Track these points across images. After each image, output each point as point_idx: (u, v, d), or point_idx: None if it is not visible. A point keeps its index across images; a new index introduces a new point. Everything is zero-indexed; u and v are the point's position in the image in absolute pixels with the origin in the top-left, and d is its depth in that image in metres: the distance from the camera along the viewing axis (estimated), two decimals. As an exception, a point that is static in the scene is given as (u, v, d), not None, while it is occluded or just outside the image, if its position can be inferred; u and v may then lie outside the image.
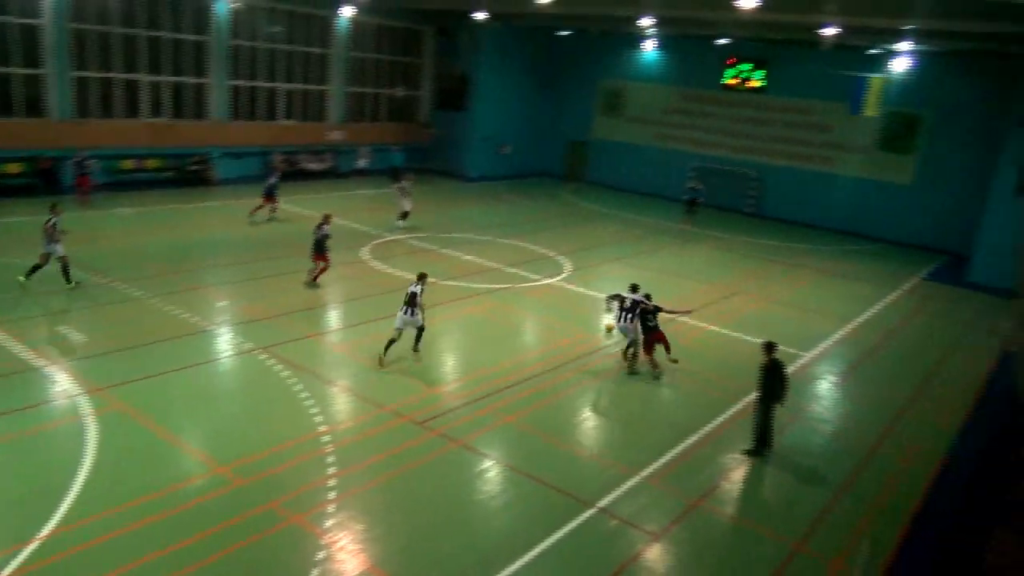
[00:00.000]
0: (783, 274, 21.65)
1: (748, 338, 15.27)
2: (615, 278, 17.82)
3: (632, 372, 13.52)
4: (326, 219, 16.51)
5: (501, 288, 16.92)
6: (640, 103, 36.95)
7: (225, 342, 13.50)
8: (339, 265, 17.88)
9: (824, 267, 23.91)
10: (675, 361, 13.84)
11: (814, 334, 16.28)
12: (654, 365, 13.50)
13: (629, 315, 13.52)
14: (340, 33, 31.97)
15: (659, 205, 33.38)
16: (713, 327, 15.66)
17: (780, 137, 33.42)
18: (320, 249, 16.01)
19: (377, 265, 18.04)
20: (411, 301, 13.31)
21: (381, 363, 13.15)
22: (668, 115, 36.18)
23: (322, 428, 10.83)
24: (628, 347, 13.78)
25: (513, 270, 18.41)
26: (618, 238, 24.27)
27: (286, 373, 12.51)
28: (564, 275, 17.44)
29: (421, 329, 13.49)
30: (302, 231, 19.99)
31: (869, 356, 15.54)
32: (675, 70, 35.52)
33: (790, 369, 12.20)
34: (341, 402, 11.77)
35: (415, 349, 13.59)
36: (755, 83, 33.21)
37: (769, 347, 10.42)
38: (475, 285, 17.39)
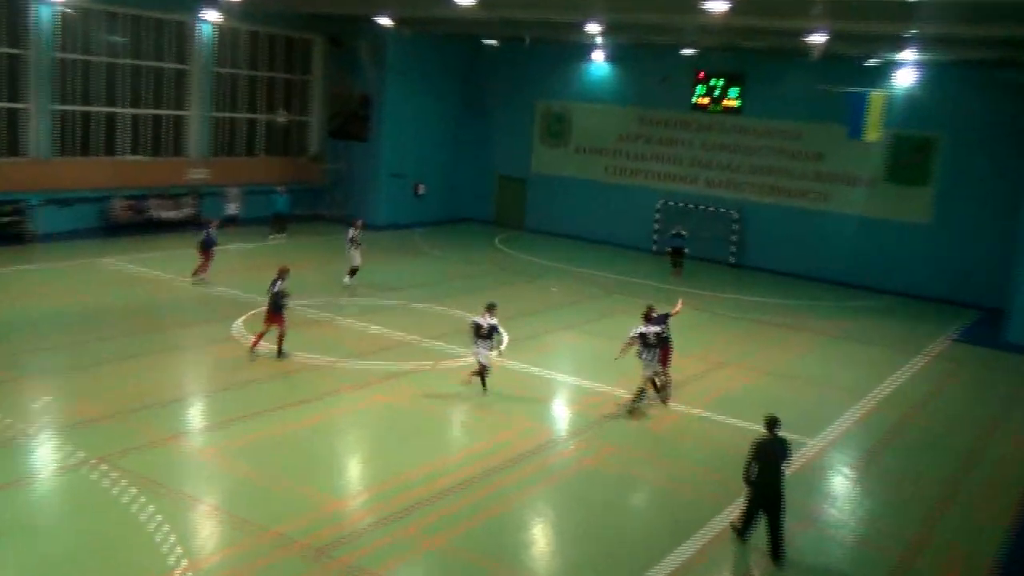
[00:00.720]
0: (778, 339, 21.74)
1: (739, 423, 15.12)
2: (568, 351, 18.36)
3: (665, 399, 15.91)
4: (281, 274, 17.08)
5: (419, 368, 16.89)
6: (590, 129, 37.21)
7: (47, 453, 12.88)
8: (205, 343, 17.87)
9: (827, 328, 23.93)
10: (665, 401, 15.84)
11: (821, 414, 16.32)
12: (658, 388, 15.64)
13: (654, 351, 15.59)
14: (202, 43, 30.85)
15: (617, 255, 33.58)
16: (695, 410, 15.65)
17: (764, 168, 33.87)
18: (277, 309, 16.62)
19: (252, 342, 17.49)
20: (488, 334, 15.68)
21: (484, 388, 15.70)
22: (625, 143, 36.56)
23: (179, 568, 10.06)
24: (650, 387, 15.77)
25: (435, 344, 18.35)
26: (569, 299, 24.26)
27: (131, 492, 11.89)
28: (501, 349, 17.06)
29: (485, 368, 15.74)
30: (149, 299, 20.23)
31: (891, 440, 15.54)
32: (632, 88, 35.81)
33: (794, 462, 12.15)
34: (207, 528, 11.18)
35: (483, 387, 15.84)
36: (730, 102, 33.82)
37: (772, 424, 10.69)
38: (387, 365, 17.21)
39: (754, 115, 33.53)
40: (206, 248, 22.80)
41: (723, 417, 15.30)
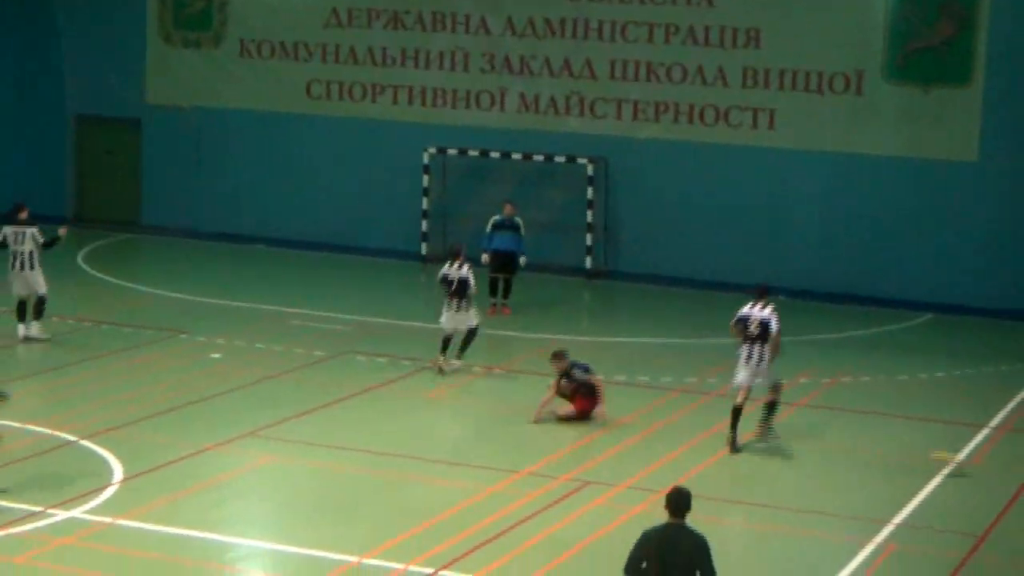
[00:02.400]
0: (691, 426, 22.23)
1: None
2: (246, 506, 18.58)
3: (770, 437, 19.92)
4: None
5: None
6: (267, 6, 36.14)
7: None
8: None
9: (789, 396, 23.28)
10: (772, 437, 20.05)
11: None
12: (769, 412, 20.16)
13: (760, 349, 19.62)
14: None
15: (348, 273, 33.58)
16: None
17: (645, 65, 33.21)
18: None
19: None
20: (459, 290, 22.36)
21: (441, 371, 22.34)
22: (349, 32, 35.06)
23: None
24: (769, 408, 19.96)
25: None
26: (243, 376, 24.05)
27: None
28: (103, 499, 17.60)
29: (472, 332, 22.64)
30: None
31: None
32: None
33: None
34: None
35: (459, 357, 22.54)
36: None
37: (677, 502, 11.91)
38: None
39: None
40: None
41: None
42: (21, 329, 24.95)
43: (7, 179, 37.23)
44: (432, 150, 33.39)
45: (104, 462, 18.87)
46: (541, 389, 21.82)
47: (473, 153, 33.43)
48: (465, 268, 22.42)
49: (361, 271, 33.11)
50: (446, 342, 22.29)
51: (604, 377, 22.63)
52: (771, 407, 19.49)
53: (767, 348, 19.29)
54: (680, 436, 20.37)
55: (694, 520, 12.22)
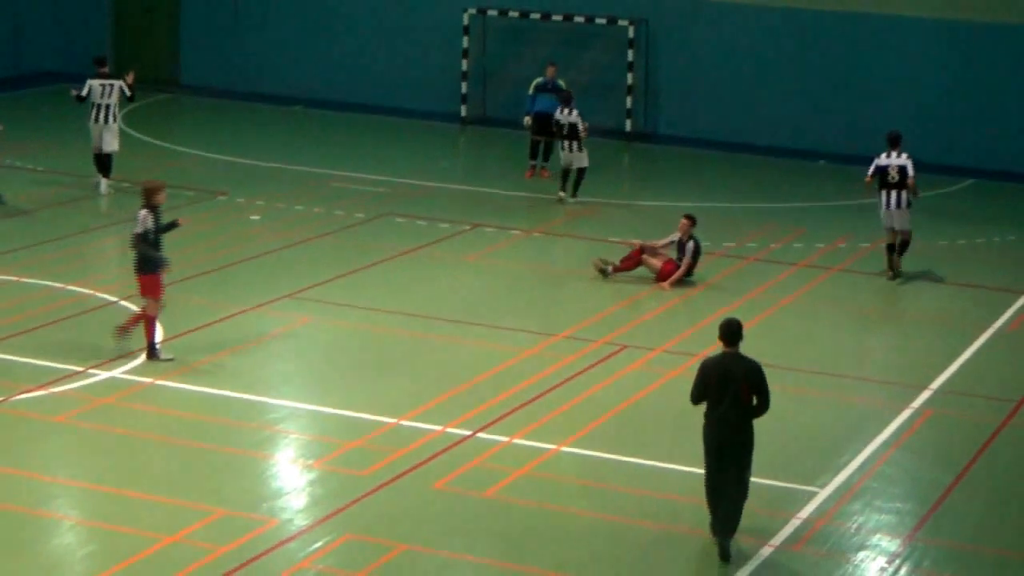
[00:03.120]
0: (730, 290, 22.16)
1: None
2: (285, 367, 18.92)
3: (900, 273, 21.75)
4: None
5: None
6: None
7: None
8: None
9: (830, 259, 24.38)
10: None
11: (833, 443, 16.66)
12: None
13: (898, 194, 21.18)
14: None
15: (390, 134, 33.37)
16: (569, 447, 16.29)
17: None
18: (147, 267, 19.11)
19: None
20: (570, 133, 24.65)
21: (561, 200, 24.98)
22: None
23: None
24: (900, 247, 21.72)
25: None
26: (281, 237, 24.09)
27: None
28: (142, 360, 17.71)
29: (582, 172, 24.84)
30: None
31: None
32: None
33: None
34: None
35: (573, 196, 24.94)
36: None
37: (729, 331, 12.73)
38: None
39: None
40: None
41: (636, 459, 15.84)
42: (103, 184, 25.64)
43: (45, 38, 37.49)
44: (472, 10, 32.92)
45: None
46: (580, 252, 22.05)
47: (513, 14, 33.09)
48: (575, 113, 24.42)
49: (400, 133, 32.95)
50: (565, 174, 24.80)
51: (639, 240, 22.84)
52: (904, 246, 21.13)
53: (905, 193, 20.88)
54: (719, 300, 20.41)
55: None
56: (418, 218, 24.75)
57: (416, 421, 15.69)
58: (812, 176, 30.52)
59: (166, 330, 18.41)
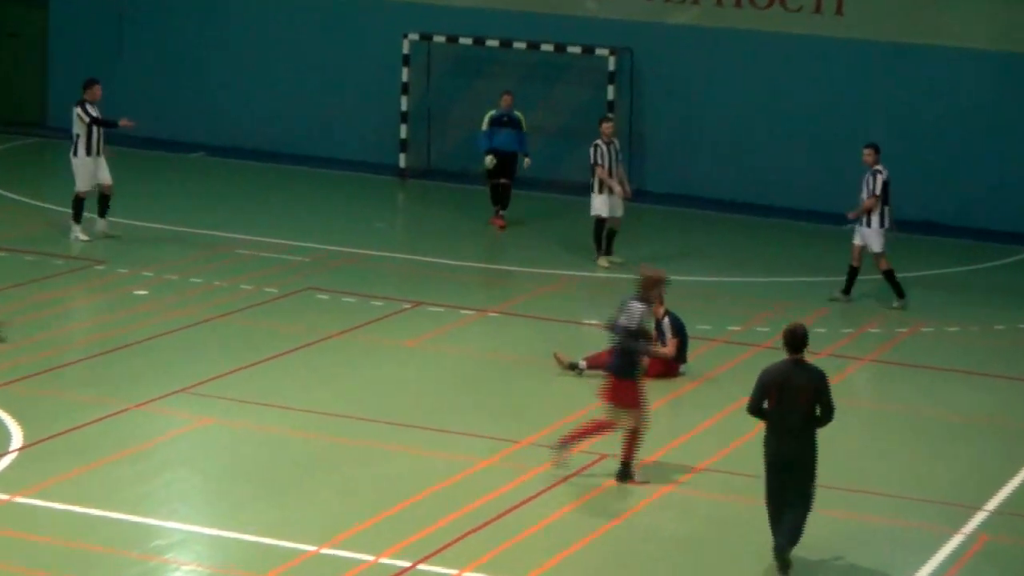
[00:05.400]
0: (733, 387, 22.03)
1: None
2: (177, 480, 18.57)
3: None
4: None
5: None
6: None
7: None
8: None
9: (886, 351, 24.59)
10: None
11: None
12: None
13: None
14: None
15: (294, 191, 33.66)
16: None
17: None
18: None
19: None
20: (616, 164, 26.93)
21: (605, 263, 26.46)
22: None
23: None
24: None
25: None
26: (164, 312, 24.51)
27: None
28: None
29: (600, 224, 26.77)
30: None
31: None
32: None
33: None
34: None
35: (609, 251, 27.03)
36: None
37: (795, 339, 14.39)
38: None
39: None
40: None
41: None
42: (100, 224, 26.36)
43: None
44: (414, 35, 32.72)
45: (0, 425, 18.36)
46: (546, 337, 21.77)
47: (465, 40, 33.07)
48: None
49: (325, 187, 32.99)
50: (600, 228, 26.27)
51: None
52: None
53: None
54: (718, 399, 20.33)
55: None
56: (345, 294, 24.62)
57: (342, 549, 15.32)
58: (837, 243, 29.60)
59: (27, 432, 17.93)
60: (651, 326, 19.58)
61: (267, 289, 24.83)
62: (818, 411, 14.32)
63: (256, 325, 23.32)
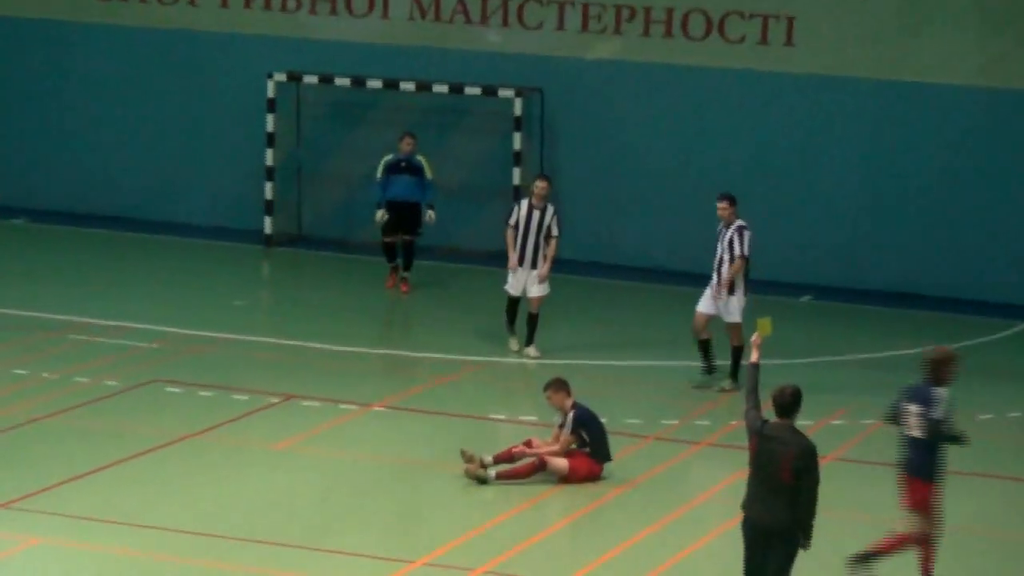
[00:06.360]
0: (665, 494, 22.74)
1: None
2: None
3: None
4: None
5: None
6: None
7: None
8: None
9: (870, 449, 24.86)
10: None
11: None
12: None
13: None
14: None
15: (139, 263, 33.81)
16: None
17: None
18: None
19: None
20: (539, 233, 26.42)
21: (516, 347, 26.33)
22: None
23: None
24: None
25: None
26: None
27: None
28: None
29: (537, 304, 26.84)
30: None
31: None
32: None
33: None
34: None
35: (528, 343, 26.53)
36: None
37: (784, 400, 15.27)
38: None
39: None
40: None
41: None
42: None
43: None
44: (281, 76, 32.75)
45: None
46: (446, 436, 21.86)
47: (342, 81, 33.27)
48: (550, 212, 25.85)
49: (175, 258, 32.77)
50: (513, 309, 26.13)
51: (537, 418, 22.84)
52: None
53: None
54: (648, 510, 20.33)
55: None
56: (201, 386, 24.41)
57: None
58: (794, 317, 30.27)
59: None
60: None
61: (107, 382, 24.51)
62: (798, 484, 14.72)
63: (93, 426, 22.96)
